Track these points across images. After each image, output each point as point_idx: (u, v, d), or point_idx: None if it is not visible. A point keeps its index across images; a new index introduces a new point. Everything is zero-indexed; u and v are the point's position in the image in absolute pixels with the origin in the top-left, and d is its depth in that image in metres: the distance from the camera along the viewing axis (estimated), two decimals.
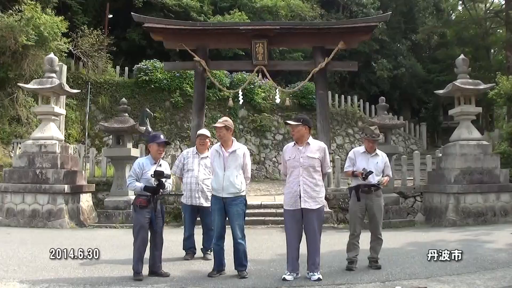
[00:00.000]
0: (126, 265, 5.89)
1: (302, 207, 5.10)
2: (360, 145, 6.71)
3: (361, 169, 5.61)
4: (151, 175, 5.26)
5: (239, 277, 5.22)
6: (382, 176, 5.75)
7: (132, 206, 5.64)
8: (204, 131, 6.71)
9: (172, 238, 6.90)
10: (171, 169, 6.20)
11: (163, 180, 5.28)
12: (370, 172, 5.56)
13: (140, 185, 5.35)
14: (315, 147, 5.27)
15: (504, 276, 5.17)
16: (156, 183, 5.25)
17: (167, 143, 5.57)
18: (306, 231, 5.20)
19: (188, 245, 6.50)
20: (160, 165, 5.48)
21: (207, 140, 6.64)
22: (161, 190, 5.30)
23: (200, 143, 6.56)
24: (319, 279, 5.02)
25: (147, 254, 5.36)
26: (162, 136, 5.57)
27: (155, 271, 5.34)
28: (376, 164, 5.72)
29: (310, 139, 5.31)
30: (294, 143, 5.33)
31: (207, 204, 6.17)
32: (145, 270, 5.32)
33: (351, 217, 5.86)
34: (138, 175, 5.43)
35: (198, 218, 6.57)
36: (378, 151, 5.91)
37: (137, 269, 5.22)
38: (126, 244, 7.42)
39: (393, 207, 10.69)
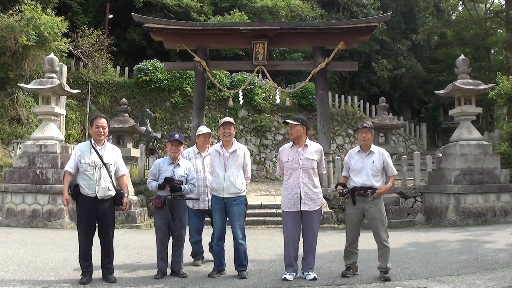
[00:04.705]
0: (126, 265, 5.91)
1: (302, 209, 5.11)
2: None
3: (354, 174, 5.31)
4: (163, 182, 5.27)
5: (239, 277, 5.22)
6: (380, 176, 5.28)
7: None
8: (206, 128, 6.37)
9: None
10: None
11: (177, 185, 5.26)
12: (347, 192, 5.22)
13: (155, 183, 5.40)
14: (313, 148, 5.25)
15: (504, 277, 5.17)
16: (168, 188, 5.25)
17: (180, 142, 5.44)
18: (305, 232, 5.19)
19: (198, 250, 6.16)
20: (178, 164, 5.46)
21: (209, 138, 6.41)
22: (178, 192, 5.27)
23: (205, 142, 6.22)
24: (315, 278, 5.04)
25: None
26: (176, 135, 5.47)
27: (173, 270, 5.36)
28: (372, 163, 5.23)
29: (308, 141, 5.30)
30: (292, 145, 5.29)
31: None
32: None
33: (346, 222, 5.47)
34: (155, 175, 5.46)
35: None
36: (374, 147, 5.37)
37: (159, 267, 5.29)
38: (126, 245, 7.44)
39: (393, 208, 10.69)
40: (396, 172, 5.45)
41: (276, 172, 5.72)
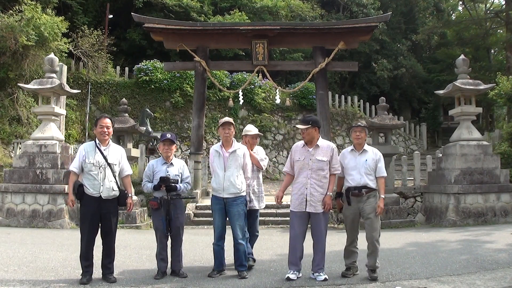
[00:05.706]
0: (126, 265, 5.90)
1: (307, 210, 5.09)
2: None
3: (347, 173, 5.32)
4: (158, 182, 5.28)
5: (239, 277, 5.22)
6: (374, 176, 5.30)
7: None
8: (255, 129, 6.10)
9: None
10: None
11: (173, 184, 5.28)
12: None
13: (150, 185, 5.41)
14: (324, 148, 5.20)
15: (504, 277, 5.17)
16: (164, 188, 5.26)
17: (172, 142, 5.48)
18: (313, 232, 5.16)
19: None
20: (172, 164, 5.47)
21: (257, 139, 6.15)
22: (173, 192, 5.28)
23: (253, 142, 5.96)
24: (325, 279, 5.00)
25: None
26: (168, 135, 5.51)
27: (173, 270, 5.37)
28: (365, 162, 5.28)
29: (320, 140, 5.24)
30: (304, 144, 5.25)
31: (259, 205, 5.81)
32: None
33: (345, 222, 5.51)
34: (150, 177, 5.48)
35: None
36: (367, 147, 5.43)
37: (158, 267, 5.31)
38: (126, 245, 7.44)
39: (393, 208, 10.69)
40: (385, 174, 5.47)
41: (284, 168, 5.63)
